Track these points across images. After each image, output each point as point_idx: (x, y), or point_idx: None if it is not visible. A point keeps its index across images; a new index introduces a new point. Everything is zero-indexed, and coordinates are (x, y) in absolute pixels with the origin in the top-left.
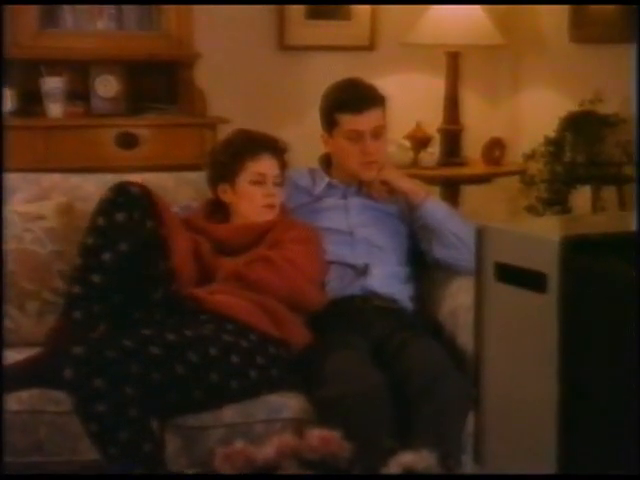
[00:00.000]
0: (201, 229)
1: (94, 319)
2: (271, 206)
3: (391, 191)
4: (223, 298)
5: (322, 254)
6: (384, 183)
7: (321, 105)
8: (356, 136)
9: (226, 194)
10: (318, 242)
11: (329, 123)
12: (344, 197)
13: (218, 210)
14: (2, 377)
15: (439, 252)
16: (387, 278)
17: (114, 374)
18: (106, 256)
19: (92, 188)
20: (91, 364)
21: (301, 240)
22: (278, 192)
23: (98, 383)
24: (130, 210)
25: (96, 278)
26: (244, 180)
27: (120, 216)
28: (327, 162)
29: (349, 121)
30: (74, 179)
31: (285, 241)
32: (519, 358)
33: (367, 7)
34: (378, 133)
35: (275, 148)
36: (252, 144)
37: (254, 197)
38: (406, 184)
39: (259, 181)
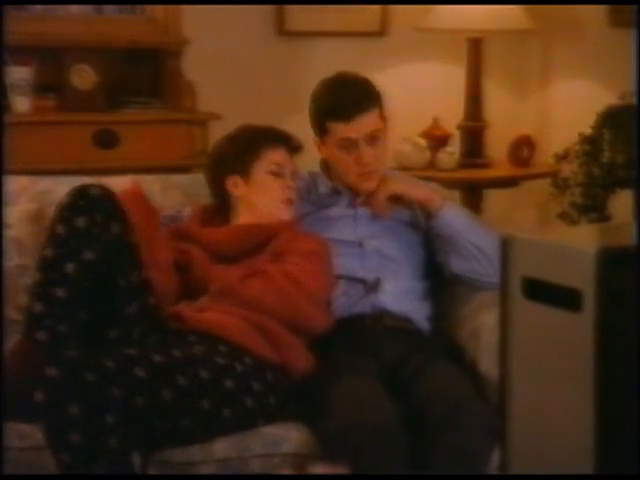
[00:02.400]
0: (194, 235)
1: (61, 340)
2: (290, 201)
3: (403, 202)
4: (213, 316)
5: (331, 270)
6: (394, 196)
7: (310, 109)
8: (349, 144)
9: (237, 187)
10: (327, 256)
11: (320, 130)
12: (351, 204)
13: (215, 216)
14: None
15: (457, 265)
16: (401, 294)
17: (93, 399)
18: (69, 267)
19: (65, 193)
20: (67, 387)
21: (307, 253)
22: (296, 188)
23: (74, 409)
24: (92, 214)
25: (60, 292)
26: (261, 169)
27: (81, 221)
28: (329, 166)
29: (340, 129)
30: (44, 182)
31: (288, 253)
32: (550, 385)
33: None
34: (375, 138)
35: (290, 144)
36: (269, 133)
37: (272, 189)
38: (420, 192)
39: (277, 172)
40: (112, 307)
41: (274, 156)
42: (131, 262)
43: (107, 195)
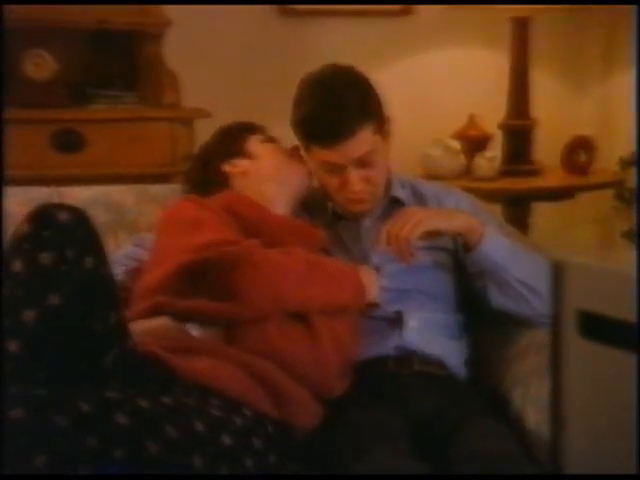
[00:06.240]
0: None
1: (11, 403)
2: (300, 158)
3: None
4: (205, 365)
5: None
6: (430, 233)
7: (291, 116)
8: (334, 169)
9: (237, 166)
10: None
11: (301, 144)
12: (358, 223)
13: None
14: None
15: (500, 302)
16: (430, 330)
17: (64, 448)
18: (28, 315)
19: (17, 207)
20: (33, 434)
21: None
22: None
23: (41, 461)
24: (60, 248)
25: (13, 346)
26: (256, 141)
27: (46, 257)
28: None
29: (322, 154)
30: None
31: None
32: (613, 443)
33: None
34: (366, 161)
35: (266, 135)
36: (243, 125)
37: (274, 151)
38: (459, 223)
39: (273, 141)
40: (83, 360)
41: (266, 134)
42: (108, 301)
43: (80, 220)
